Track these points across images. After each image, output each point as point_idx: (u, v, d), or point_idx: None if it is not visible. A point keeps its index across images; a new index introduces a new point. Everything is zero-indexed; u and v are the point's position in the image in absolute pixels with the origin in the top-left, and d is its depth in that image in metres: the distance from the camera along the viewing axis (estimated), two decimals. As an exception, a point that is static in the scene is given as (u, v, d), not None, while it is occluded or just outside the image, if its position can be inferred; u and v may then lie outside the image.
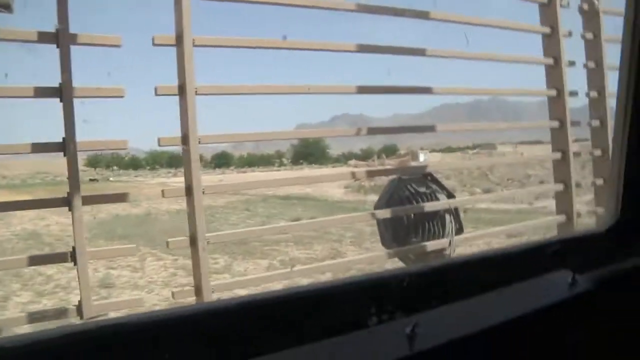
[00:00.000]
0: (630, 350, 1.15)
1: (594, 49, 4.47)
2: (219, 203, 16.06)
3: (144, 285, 6.84)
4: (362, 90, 3.29)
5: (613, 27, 4.57)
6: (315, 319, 0.86)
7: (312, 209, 14.94)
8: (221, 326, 0.80)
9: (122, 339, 0.71)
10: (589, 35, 4.44)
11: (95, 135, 2.73)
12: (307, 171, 31.06)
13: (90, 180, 26.45)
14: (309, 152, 43.16)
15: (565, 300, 1.08)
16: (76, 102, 2.69)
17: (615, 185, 1.32)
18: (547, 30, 4.26)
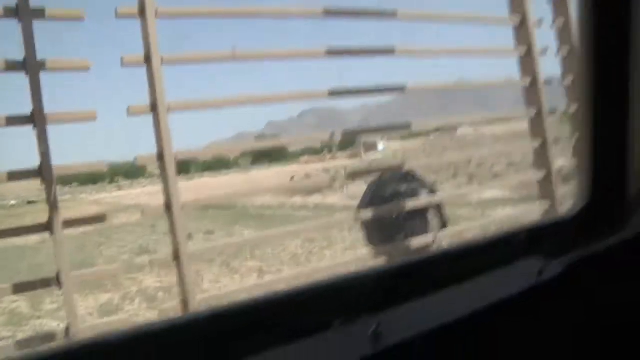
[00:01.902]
0: (599, 333, 1.16)
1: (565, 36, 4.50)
2: (131, 219, 14.72)
3: None
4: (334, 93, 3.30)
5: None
6: (282, 323, 0.89)
7: (220, 220, 13.61)
8: (192, 335, 0.83)
9: (105, 355, 0.74)
10: (560, 23, 4.46)
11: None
12: (254, 174, 30.10)
13: (28, 203, 21.77)
14: (268, 151, 40.92)
15: (534, 288, 1.09)
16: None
17: (584, 169, 1.32)
18: (517, 20, 4.29)
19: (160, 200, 2.88)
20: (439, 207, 3.84)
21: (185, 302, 2.93)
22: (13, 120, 2.71)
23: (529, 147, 4.35)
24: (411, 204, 3.65)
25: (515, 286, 1.08)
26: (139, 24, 2.96)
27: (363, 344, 0.87)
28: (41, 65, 2.71)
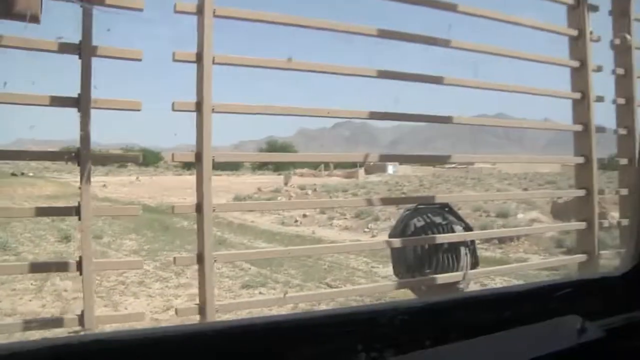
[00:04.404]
0: None
1: (624, 85, 4.36)
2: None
3: None
4: (375, 115, 3.26)
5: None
6: (298, 351, 0.82)
7: (124, 225, 12.35)
8: (201, 350, 0.77)
9: (102, 355, 0.70)
10: (620, 71, 4.33)
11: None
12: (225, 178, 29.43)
13: (12, 174, 28.51)
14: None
15: (572, 348, 0.99)
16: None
17: (635, 228, 1.23)
18: (576, 64, 4.17)
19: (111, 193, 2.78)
20: (472, 245, 3.70)
21: (202, 308, 2.87)
22: (59, 101, 2.72)
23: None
24: (445, 237, 3.53)
25: (552, 343, 0.99)
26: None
27: None
28: (94, 51, 2.72)
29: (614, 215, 4.62)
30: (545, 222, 11.21)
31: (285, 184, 23.50)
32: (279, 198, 19.52)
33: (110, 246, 9.95)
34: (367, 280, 6.76)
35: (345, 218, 14.73)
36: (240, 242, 11.07)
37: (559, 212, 9.97)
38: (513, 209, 13.29)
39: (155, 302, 5.94)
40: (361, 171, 33.41)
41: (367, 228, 13.41)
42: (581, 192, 4.14)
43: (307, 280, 6.91)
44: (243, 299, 5.44)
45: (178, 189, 20.83)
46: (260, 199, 19.23)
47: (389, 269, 7.62)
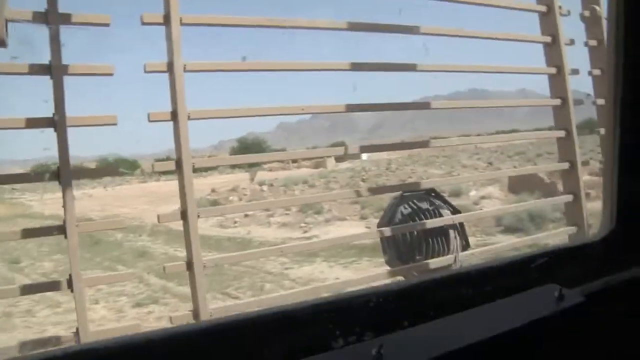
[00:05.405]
0: None
1: (598, 56, 4.39)
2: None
3: None
4: (351, 108, 3.30)
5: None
6: (278, 341, 0.85)
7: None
8: (182, 351, 0.79)
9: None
10: (593, 42, 4.37)
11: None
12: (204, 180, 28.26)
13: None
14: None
15: (551, 316, 1.02)
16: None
17: (609, 194, 1.25)
18: (548, 39, 4.21)
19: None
20: (461, 227, 3.73)
21: (195, 312, 2.90)
22: (34, 123, 2.74)
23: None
24: (433, 222, 3.56)
25: (531, 314, 1.01)
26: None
27: None
28: (65, 69, 2.74)
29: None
30: (498, 198, 10.99)
31: (252, 179, 22.95)
32: (230, 198, 18.53)
33: (23, 271, 9.33)
34: (274, 285, 6.46)
35: (287, 213, 14.04)
36: (164, 252, 10.24)
37: (516, 186, 9.93)
38: (470, 186, 12.85)
39: (27, 335, 5.44)
40: (331, 159, 32.71)
41: (304, 223, 13.00)
42: (565, 165, 4.19)
43: (209, 290, 6.14)
44: (128, 320, 5.23)
45: (133, 197, 20.25)
46: (211, 199, 18.07)
47: (302, 270, 7.38)
